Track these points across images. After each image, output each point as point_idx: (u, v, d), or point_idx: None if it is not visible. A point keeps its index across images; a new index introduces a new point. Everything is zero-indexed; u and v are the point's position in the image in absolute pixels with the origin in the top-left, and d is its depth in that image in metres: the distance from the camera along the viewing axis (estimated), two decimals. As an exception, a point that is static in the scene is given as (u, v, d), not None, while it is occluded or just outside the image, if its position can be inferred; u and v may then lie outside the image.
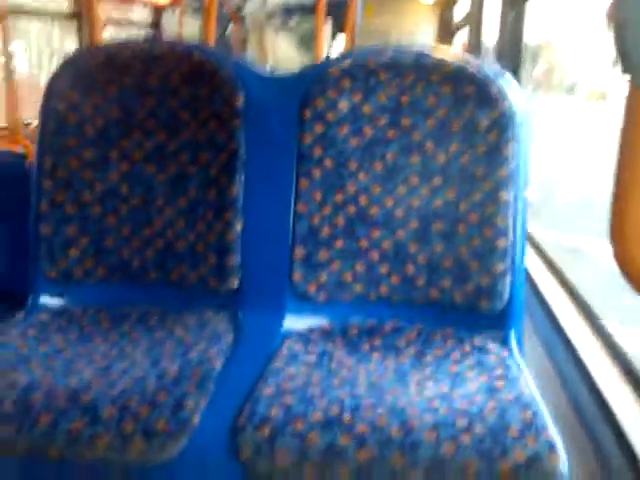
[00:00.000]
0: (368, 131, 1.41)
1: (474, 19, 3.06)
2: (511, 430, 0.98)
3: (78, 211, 1.46)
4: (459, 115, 1.37)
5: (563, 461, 0.95)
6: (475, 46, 2.98)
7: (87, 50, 1.55)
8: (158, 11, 4.91)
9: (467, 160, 1.37)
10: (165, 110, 1.47)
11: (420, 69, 1.39)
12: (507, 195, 1.35)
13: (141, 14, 5.03)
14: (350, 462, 0.96)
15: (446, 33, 5.02)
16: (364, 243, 1.41)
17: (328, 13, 4.78)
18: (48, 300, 1.46)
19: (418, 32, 5.77)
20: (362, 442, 0.97)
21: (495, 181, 1.35)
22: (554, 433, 0.99)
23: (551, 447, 0.96)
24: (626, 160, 0.65)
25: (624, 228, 0.65)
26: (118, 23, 4.76)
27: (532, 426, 0.99)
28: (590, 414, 1.16)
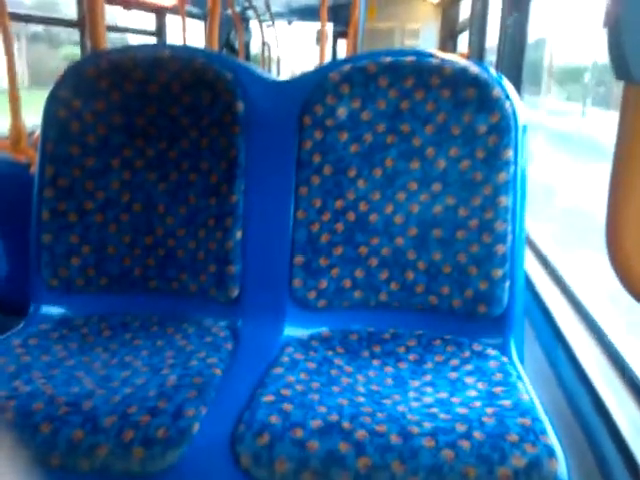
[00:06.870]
0: (367, 137, 1.40)
1: (477, 20, 3.04)
2: (510, 436, 0.98)
3: (79, 220, 1.47)
4: (458, 120, 1.37)
5: (562, 466, 0.95)
6: (477, 49, 2.96)
7: (90, 57, 1.55)
8: (161, 17, 4.93)
9: (467, 165, 1.37)
10: (166, 118, 1.48)
11: (420, 73, 1.38)
12: (506, 200, 1.35)
13: (144, 21, 5.05)
14: (350, 469, 0.95)
15: (450, 34, 5.00)
16: (363, 250, 1.41)
17: (330, 17, 4.79)
18: (49, 309, 1.47)
19: (422, 33, 5.76)
20: (361, 449, 0.97)
21: (494, 186, 1.35)
22: (553, 438, 0.99)
23: (550, 452, 0.95)
24: (622, 166, 0.64)
25: (621, 235, 0.65)
26: (122, 30, 4.78)
27: (531, 432, 0.99)
28: (590, 420, 1.16)
